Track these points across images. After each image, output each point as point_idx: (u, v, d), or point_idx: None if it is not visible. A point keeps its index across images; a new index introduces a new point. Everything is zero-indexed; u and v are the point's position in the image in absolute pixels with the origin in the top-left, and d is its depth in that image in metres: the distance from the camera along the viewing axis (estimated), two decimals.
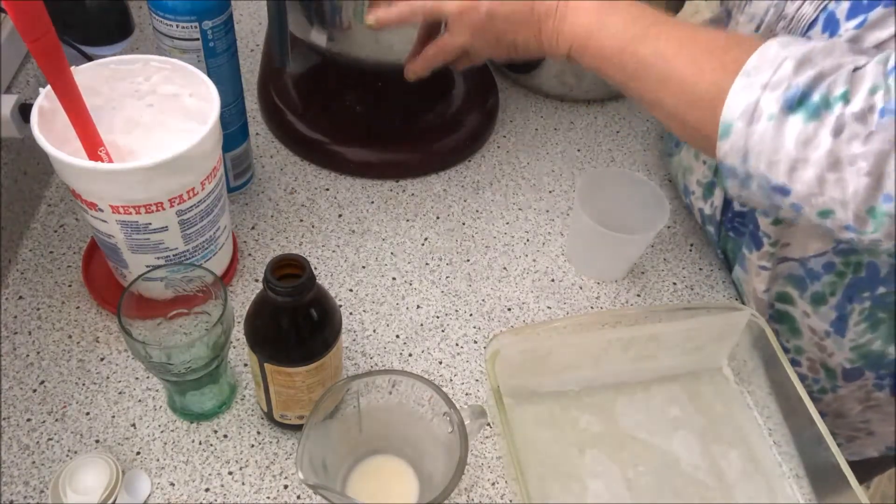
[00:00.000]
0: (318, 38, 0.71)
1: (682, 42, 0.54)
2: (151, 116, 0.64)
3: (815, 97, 0.47)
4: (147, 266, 0.61)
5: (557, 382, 0.68)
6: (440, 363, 0.68)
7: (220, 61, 0.66)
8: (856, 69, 0.47)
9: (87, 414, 0.62)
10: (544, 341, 0.65)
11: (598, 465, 0.63)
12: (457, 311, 0.72)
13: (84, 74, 0.58)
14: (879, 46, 0.51)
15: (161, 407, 0.63)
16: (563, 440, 0.65)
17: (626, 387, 0.68)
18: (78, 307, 0.68)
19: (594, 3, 0.60)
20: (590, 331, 0.66)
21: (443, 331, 0.70)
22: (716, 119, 0.51)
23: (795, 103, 0.47)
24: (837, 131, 0.46)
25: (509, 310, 0.72)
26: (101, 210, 0.56)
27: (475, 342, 0.70)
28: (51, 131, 0.55)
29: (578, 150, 0.89)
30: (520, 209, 0.82)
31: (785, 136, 0.48)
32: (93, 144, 0.58)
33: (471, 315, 0.72)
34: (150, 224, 0.58)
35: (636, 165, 0.88)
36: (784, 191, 0.49)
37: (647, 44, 0.56)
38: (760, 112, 0.48)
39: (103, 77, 0.61)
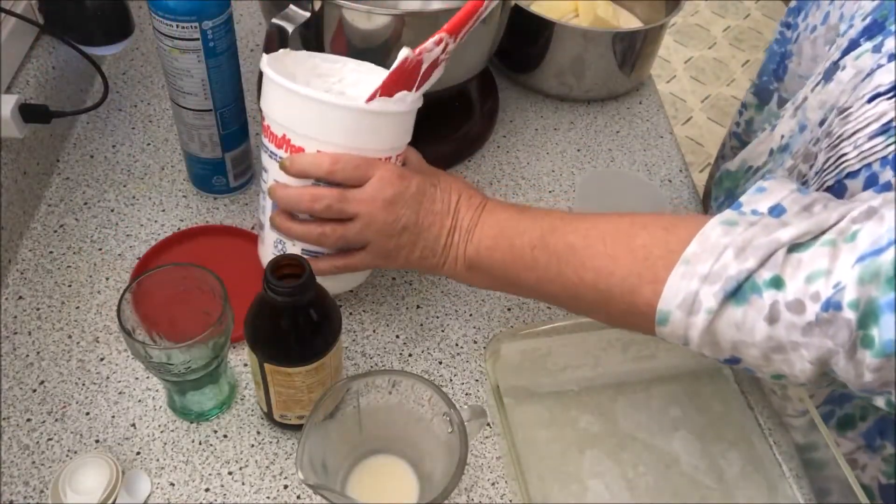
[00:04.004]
0: None
1: (589, 232, 0.53)
2: None
3: (746, 285, 0.45)
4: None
5: (557, 382, 0.68)
6: (440, 363, 0.68)
7: (220, 61, 0.66)
8: (793, 248, 0.45)
9: (87, 414, 0.62)
10: (544, 341, 0.66)
11: (598, 465, 0.63)
12: (457, 311, 0.72)
13: (294, 59, 0.60)
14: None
15: (161, 407, 0.63)
16: (563, 440, 0.65)
17: (626, 387, 0.68)
18: (78, 307, 0.68)
19: (507, 205, 0.59)
20: (590, 331, 0.66)
21: (443, 331, 0.70)
22: (637, 308, 0.50)
23: (731, 294, 0.46)
24: (772, 319, 0.45)
25: (509, 310, 0.72)
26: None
27: (475, 342, 0.70)
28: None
29: (578, 150, 0.89)
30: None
31: (723, 324, 0.47)
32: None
33: (471, 315, 0.72)
34: None
35: (636, 165, 0.88)
36: (734, 360, 0.49)
37: (557, 236, 0.55)
38: (699, 305, 0.47)
39: (306, 67, 0.62)
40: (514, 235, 0.56)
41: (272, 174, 0.60)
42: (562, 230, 0.55)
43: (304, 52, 0.62)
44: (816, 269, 0.44)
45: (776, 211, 0.47)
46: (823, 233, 0.45)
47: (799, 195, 0.48)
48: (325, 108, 0.56)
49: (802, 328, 0.44)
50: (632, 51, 0.89)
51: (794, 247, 0.45)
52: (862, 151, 0.50)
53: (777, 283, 0.45)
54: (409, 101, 0.58)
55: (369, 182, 0.57)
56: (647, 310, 0.49)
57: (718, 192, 0.77)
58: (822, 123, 0.57)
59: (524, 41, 0.90)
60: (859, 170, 0.51)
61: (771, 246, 0.45)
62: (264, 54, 0.58)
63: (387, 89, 0.56)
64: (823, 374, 0.46)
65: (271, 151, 0.59)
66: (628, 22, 0.98)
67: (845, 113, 0.52)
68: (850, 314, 0.42)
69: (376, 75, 0.62)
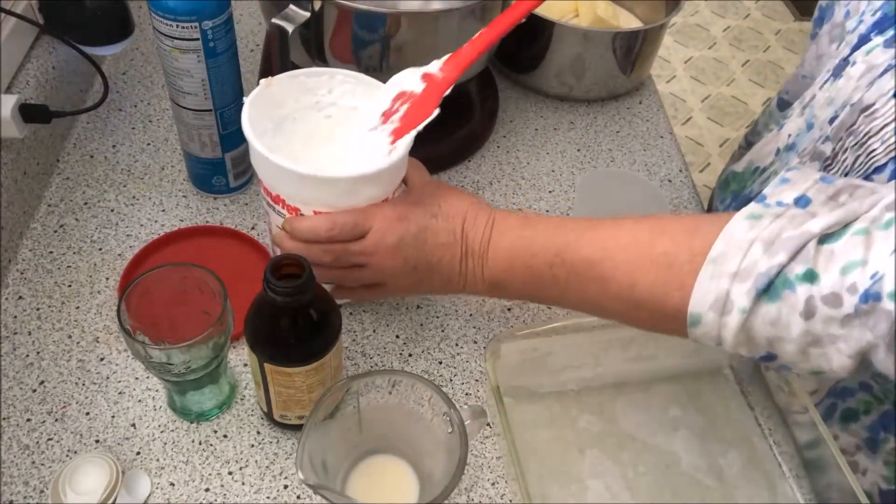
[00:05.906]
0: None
1: (606, 244, 0.53)
2: (328, 129, 0.64)
3: (777, 280, 0.44)
4: None
5: (557, 382, 0.68)
6: (440, 363, 0.68)
7: (220, 61, 0.66)
8: (823, 240, 0.44)
9: (87, 414, 0.62)
10: (544, 341, 0.65)
11: (598, 465, 0.63)
12: (456, 311, 0.72)
13: (279, 85, 0.60)
14: None
15: (161, 407, 0.63)
16: (563, 440, 0.65)
17: (626, 387, 0.68)
18: (78, 307, 0.68)
19: (516, 219, 0.59)
20: (590, 331, 0.66)
21: (443, 331, 0.70)
22: (666, 314, 0.49)
23: (763, 291, 0.45)
24: (808, 314, 0.44)
25: (509, 310, 0.72)
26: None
27: (475, 342, 0.70)
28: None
29: (578, 150, 0.89)
30: (520, 209, 0.82)
31: (758, 321, 0.46)
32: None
33: (471, 315, 0.72)
34: None
35: (636, 165, 0.88)
36: (769, 357, 0.48)
37: (572, 251, 0.54)
38: (732, 304, 0.46)
39: (293, 89, 0.62)
40: (529, 257, 0.56)
41: (274, 219, 0.60)
42: (575, 245, 0.54)
43: (286, 74, 0.61)
44: (851, 260, 0.42)
45: (802, 202, 0.46)
46: (854, 222, 0.44)
47: (823, 184, 0.47)
48: (311, 181, 0.56)
49: (841, 321, 0.43)
50: (632, 51, 0.89)
51: (825, 238, 0.44)
52: (889, 145, 0.50)
53: (811, 276, 0.44)
54: (395, 155, 0.57)
55: (369, 234, 0.57)
56: (678, 314, 0.49)
57: (725, 195, 0.77)
58: (831, 121, 0.57)
59: (524, 41, 0.90)
60: (886, 163, 0.50)
61: (802, 238, 0.44)
62: (245, 99, 0.58)
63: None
64: (861, 364, 0.45)
65: (268, 202, 0.60)
66: (628, 22, 0.98)
67: (870, 110, 0.52)
68: (890, 305, 0.41)
69: (367, 86, 0.62)
